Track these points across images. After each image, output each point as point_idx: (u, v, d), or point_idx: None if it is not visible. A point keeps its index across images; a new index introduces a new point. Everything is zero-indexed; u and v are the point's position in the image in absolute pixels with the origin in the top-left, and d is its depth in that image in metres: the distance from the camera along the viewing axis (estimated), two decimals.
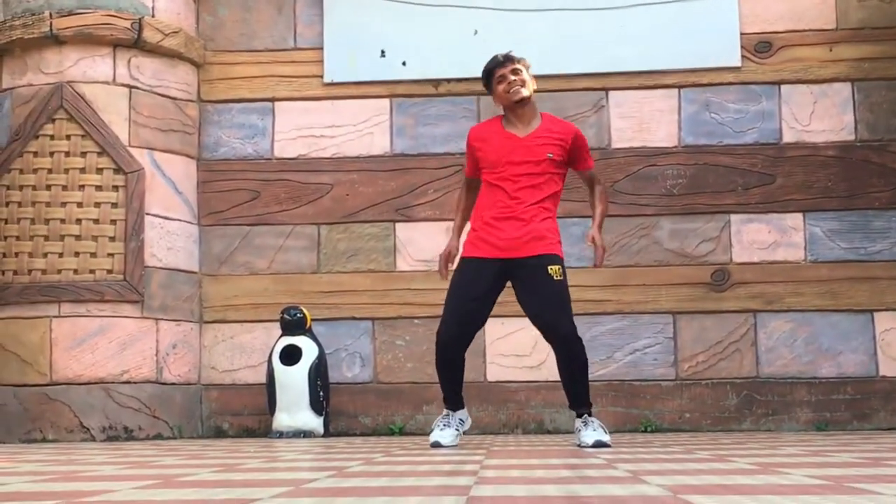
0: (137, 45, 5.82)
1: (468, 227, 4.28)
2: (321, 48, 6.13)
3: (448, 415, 4.31)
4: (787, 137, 5.90)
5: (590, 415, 4.18)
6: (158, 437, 5.72)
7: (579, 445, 4.08)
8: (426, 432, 5.87)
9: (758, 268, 5.85)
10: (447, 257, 4.32)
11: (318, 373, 5.72)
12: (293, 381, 5.70)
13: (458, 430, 4.29)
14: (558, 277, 4.06)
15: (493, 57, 4.23)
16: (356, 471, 2.77)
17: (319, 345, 5.79)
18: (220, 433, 6.02)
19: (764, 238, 5.85)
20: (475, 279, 4.11)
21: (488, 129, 4.24)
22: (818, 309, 5.79)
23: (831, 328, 5.79)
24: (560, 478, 2.43)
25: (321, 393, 5.72)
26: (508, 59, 4.17)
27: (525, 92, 4.10)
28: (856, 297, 5.79)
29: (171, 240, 5.94)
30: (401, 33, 6.07)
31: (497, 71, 4.15)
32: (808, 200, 5.85)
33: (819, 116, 5.88)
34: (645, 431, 5.79)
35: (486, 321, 4.20)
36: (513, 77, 4.11)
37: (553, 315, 4.03)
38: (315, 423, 5.71)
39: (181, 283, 5.97)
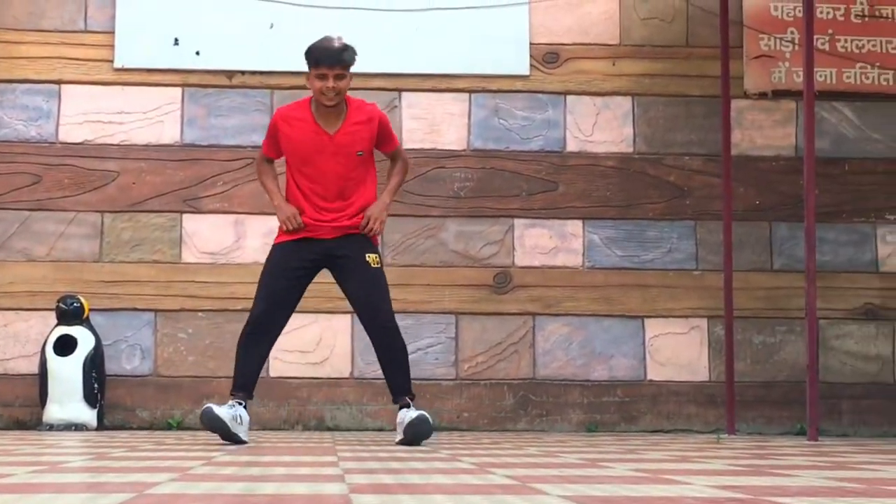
0: None
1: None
2: (112, 32, 6.07)
3: (233, 405, 4.15)
4: (571, 146, 6.18)
5: (411, 406, 4.24)
6: None
7: (401, 436, 4.14)
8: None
9: (538, 272, 6.10)
10: (291, 215, 4.26)
11: (94, 364, 5.67)
12: (66, 373, 5.64)
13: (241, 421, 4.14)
14: (375, 265, 4.25)
15: (325, 43, 4.22)
16: (75, 466, 2.80)
17: (97, 335, 5.75)
18: None
19: (545, 243, 6.11)
20: (290, 262, 4.27)
21: (297, 115, 4.31)
22: (593, 314, 6.07)
23: (604, 332, 6.09)
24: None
25: (95, 385, 5.68)
26: (338, 60, 4.17)
27: (337, 100, 4.21)
28: (628, 303, 6.09)
29: None
30: (195, 22, 6.08)
31: (322, 67, 4.16)
32: (587, 208, 6.14)
33: (601, 128, 6.18)
34: None
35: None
36: (333, 83, 4.15)
37: (376, 298, 4.20)
38: (88, 415, 5.65)
39: None
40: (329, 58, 4.16)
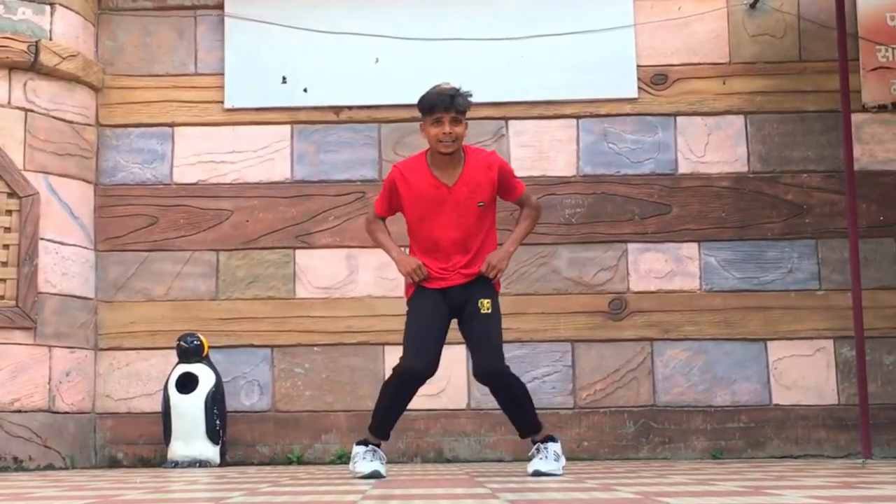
0: (34, 68, 5.91)
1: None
2: (222, 74, 6.26)
3: (374, 450, 4.22)
4: (683, 168, 6.15)
5: (545, 441, 4.21)
6: (50, 467, 5.76)
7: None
8: (324, 461, 6.00)
9: (654, 296, 6.06)
10: (416, 268, 4.18)
11: (215, 401, 5.80)
12: (189, 410, 5.78)
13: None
14: (486, 311, 4.15)
15: (438, 89, 4.14)
16: (236, 501, 2.85)
17: (217, 372, 5.88)
18: (114, 463, 6.07)
19: (660, 267, 6.08)
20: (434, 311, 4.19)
21: (413, 169, 4.19)
22: (713, 338, 6.01)
23: (726, 357, 6.01)
24: None
25: (217, 421, 5.80)
26: (454, 103, 4.06)
27: (455, 147, 4.10)
28: (749, 326, 6.01)
29: (66, 265, 6.04)
30: (302, 60, 6.23)
31: (437, 112, 4.06)
32: (702, 230, 6.09)
33: (713, 148, 6.14)
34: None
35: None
36: (449, 128, 4.04)
37: (488, 354, 4.17)
38: (211, 452, 5.78)
39: (76, 310, 6.04)
40: (443, 101, 4.06)
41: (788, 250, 6.09)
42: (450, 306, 4.18)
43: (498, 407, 6.01)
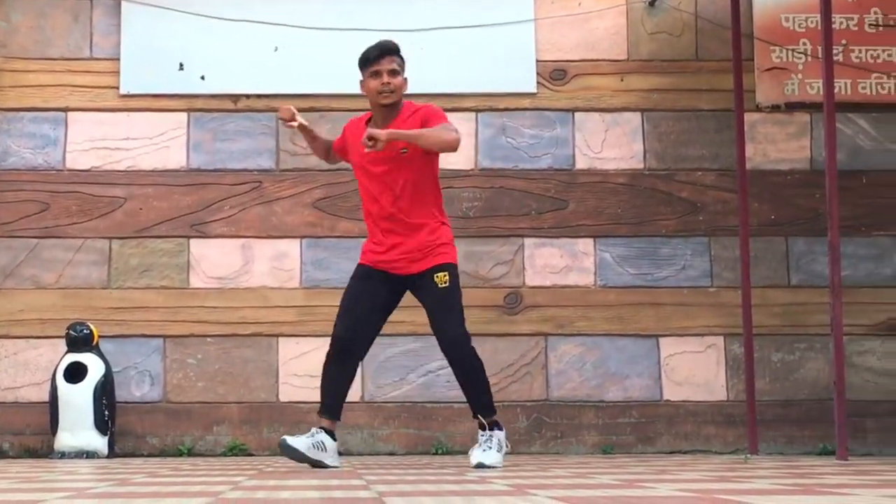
0: None
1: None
2: (118, 59, 6.18)
3: (313, 433, 4.12)
4: (580, 164, 6.20)
5: (490, 427, 4.18)
6: None
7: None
8: (216, 453, 5.98)
9: (549, 291, 6.10)
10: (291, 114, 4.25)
11: (104, 391, 5.76)
12: (77, 400, 5.73)
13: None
14: (442, 285, 4.11)
15: (372, 45, 4.20)
16: (103, 492, 2.84)
17: (106, 362, 5.83)
18: (0, 453, 5.95)
19: (556, 262, 6.12)
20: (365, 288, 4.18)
21: (355, 125, 4.27)
22: (607, 333, 6.07)
23: (618, 352, 6.08)
24: (304, 499, 2.49)
25: (106, 412, 5.76)
26: (387, 50, 4.13)
27: (394, 98, 4.11)
28: (642, 322, 6.08)
29: None
30: (200, 47, 6.19)
31: (373, 64, 4.11)
32: (598, 226, 6.14)
33: (610, 144, 6.21)
34: (436, 454, 5.95)
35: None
36: (388, 79, 4.08)
37: (439, 324, 4.12)
38: (99, 442, 5.73)
39: None
40: (374, 50, 4.14)
41: (682, 247, 6.18)
42: (393, 281, 4.16)
43: (391, 400, 6.06)
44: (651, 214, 6.19)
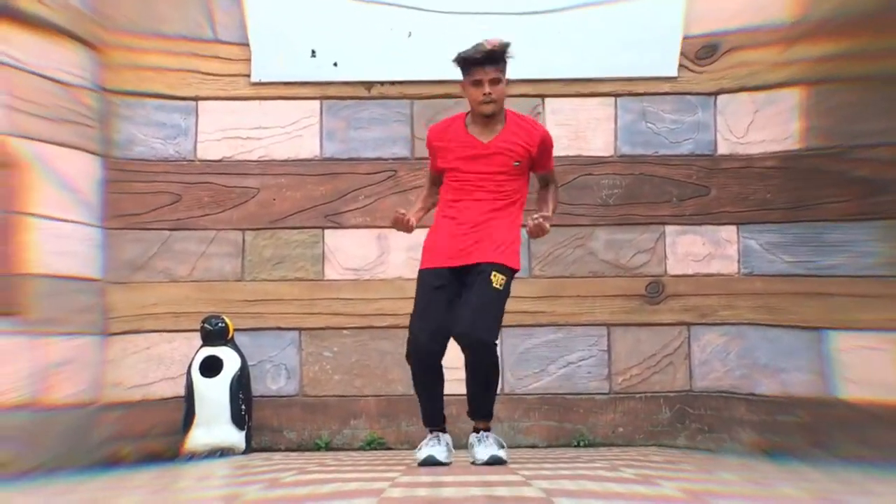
0: (7, 12, 5.06)
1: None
2: (246, 44, 6.04)
3: (437, 436, 4.30)
4: (722, 149, 5.99)
5: (486, 430, 4.28)
6: (33, 469, 5.16)
7: (473, 462, 4.19)
8: (353, 447, 5.87)
9: (692, 280, 5.94)
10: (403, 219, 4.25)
11: (241, 385, 5.65)
12: (213, 394, 5.62)
13: (449, 450, 4.28)
14: (496, 286, 4.06)
15: (476, 45, 4.10)
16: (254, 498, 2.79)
17: (242, 356, 5.73)
18: (116, 461, 5.69)
19: (698, 250, 5.95)
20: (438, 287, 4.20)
21: (449, 130, 4.24)
22: (750, 322, 5.88)
23: (768, 343, 5.81)
24: (468, 496, 2.43)
25: (243, 406, 5.64)
26: (491, 59, 4.05)
27: (496, 108, 4.11)
28: (801, 312, 5.72)
29: (60, 244, 5.47)
30: (332, 33, 6.06)
31: (475, 71, 4.07)
32: (743, 213, 5.94)
33: (759, 127, 5.92)
34: (577, 446, 5.83)
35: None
36: (489, 89, 4.04)
37: (471, 318, 4.05)
38: (236, 438, 5.62)
39: (75, 293, 5.57)
40: (478, 61, 4.06)
41: (855, 233, 5.55)
42: (456, 275, 4.18)
43: (530, 392, 5.92)
44: (811, 198, 5.72)
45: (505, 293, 4.15)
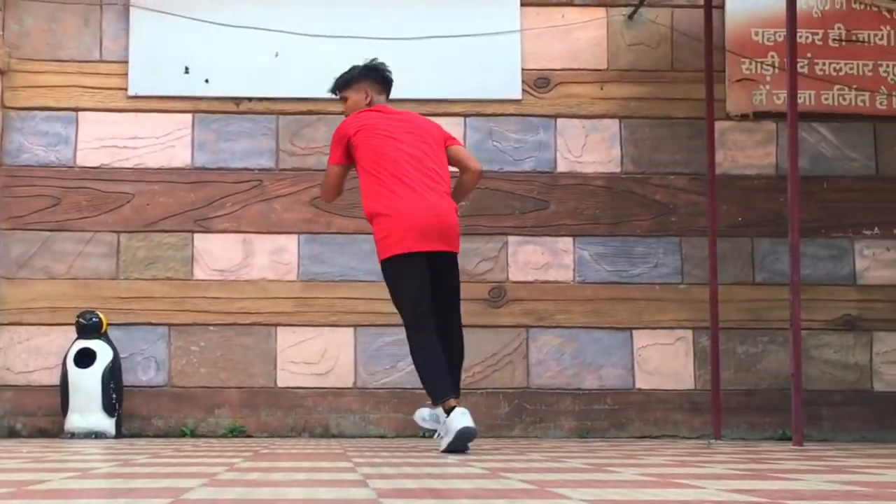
0: None
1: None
2: (126, 62, 6.49)
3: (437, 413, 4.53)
4: (561, 167, 6.58)
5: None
6: None
7: (448, 443, 4.29)
8: (217, 434, 6.33)
9: (531, 286, 6.49)
10: None
11: (112, 375, 6.11)
12: (87, 383, 6.07)
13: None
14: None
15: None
16: (105, 472, 3.09)
17: (114, 348, 6.18)
18: (13, 433, 6.30)
19: (538, 259, 6.49)
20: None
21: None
22: (584, 326, 6.47)
23: (595, 344, 6.48)
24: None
25: (114, 395, 6.10)
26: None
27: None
28: (617, 315, 6.47)
29: None
30: (205, 51, 6.52)
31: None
32: (577, 226, 6.52)
33: (590, 149, 6.60)
34: (423, 437, 6.31)
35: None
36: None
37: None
38: (107, 424, 6.08)
39: None
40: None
41: (655, 246, 6.57)
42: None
43: (383, 386, 6.43)
44: (627, 215, 6.58)
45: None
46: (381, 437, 6.37)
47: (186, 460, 3.77)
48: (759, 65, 6.60)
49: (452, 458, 3.86)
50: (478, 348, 6.49)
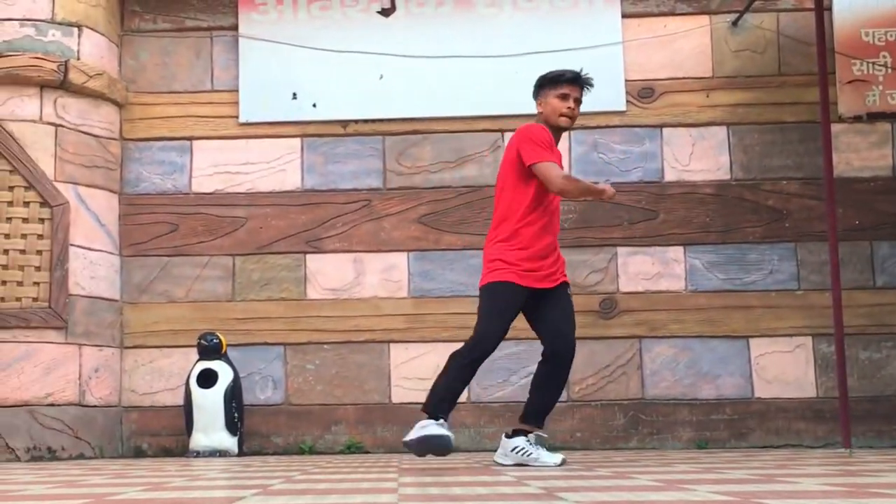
0: (63, 86, 6.35)
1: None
2: (237, 90, 6.67)
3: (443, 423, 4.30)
4: (669, 176, 6.49)
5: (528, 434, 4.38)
6: (81, 456, 6.21)
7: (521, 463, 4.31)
8: (334, 451, 6.41)
9: (642, 297, 6.40)
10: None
11: (233, 395, 6.22)
12: (209, 403, 6.21)
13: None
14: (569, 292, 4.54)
15: (568, 69, 4.37)
16: (279, 488, 3.05)
17: (234, 369, 6.30)
18: (139, 453, 6.50)
19: (648, 269, 6.42)
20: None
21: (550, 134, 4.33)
22: (698, 335, 6.35)
23: (710, 353, 6.36)
24: (477, 495, 2.64)
25: (236, 414, 6.22)
26: (581, 80, 4.31)
27: (570, 125, 4.37)
28: (732, 324, 6.33)
29: (93, 269, 6.51)
30: (311, 77, 6.65)
31: (564, 86, 4.30)
32: (687, 234, 6.43)
33: (697, 157, 6.50)
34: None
35: None
36: (573, 104, 4.30)
37: (572, 326, 4.48)
38: (230, 442, 6.20)
39: (103, 311, 6.52)
40: (569, 80, 4.30)
41: (769, 253, 6.43)
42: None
43: (496, 400, 6.40)
44: (738, 222, 6.46)
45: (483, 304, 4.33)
46: (496, 450, 6.32)
47: (344, 476, 3.63)
48: (870, 65, 6.43)
49: (604, 471, 3.71)
50: (590, 360, 6.44)
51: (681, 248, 6.49)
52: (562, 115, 4.28)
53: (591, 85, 4.38)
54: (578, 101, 4.33)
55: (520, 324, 6.56)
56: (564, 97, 4.29)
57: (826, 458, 4.68)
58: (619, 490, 2.76)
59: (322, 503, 2.48)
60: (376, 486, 3.07)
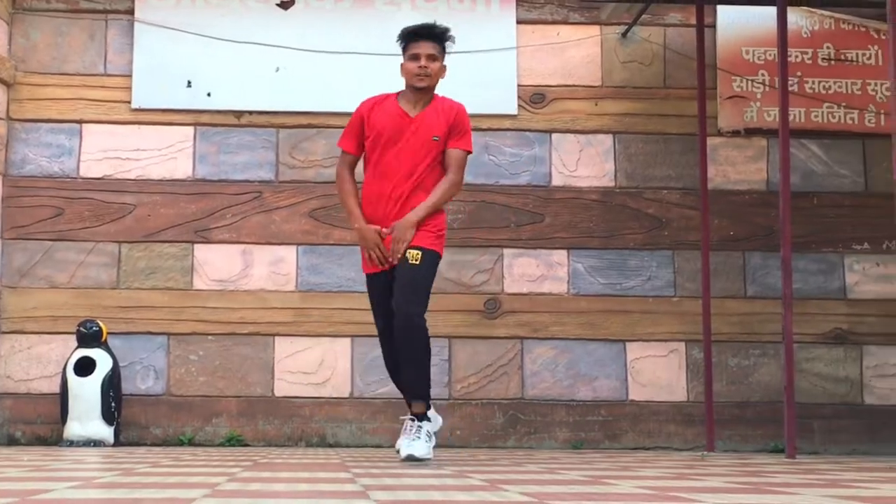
0: None
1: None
2: (130, 75, 6.55)
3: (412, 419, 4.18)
4: (556, 181, 6.61)
5: (419, 418, 4.19)
6: None
7: (398, 451, 4.21)
8: (214, 443, 6.32)
9: (526, 298, 6.51)
10: (373, 246, 4.20)
11: (111, 384, 6.12)
12: (86, 392, 6.10)
13: (429, 439, 4.18)
14: (414, 262, 4.12)
15: (421, 25, 4.27)
16: (108, 482, 2.99)
17: (114, 357, 6.20)
18: (12, 441, 6.31)
19: (532, 271, 6.52)
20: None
21: (381, 102, 4.30)
22: (578, 338, 6.47)
23: (588, 355, 6.48)
24: (297, 492, 2.59)
25: (113, 404, 6.12)
26: (433, 35, 4.21)
27: (429, 83, 4.23)
28: (611, 327, 6.48)
29: None
30: (207, 66, 6.58)
31: (411, 46, 4.23)
32: (572, 238, 6.54)
33: (584, 163, 6.63)
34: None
35: None
36: (425, 62, 4.18)
37: (401, 296, 4.10)
38: (106, 432, 6.08)
39: None
40: (418, 36, 4.21)
41: (648, 259, 6.60)
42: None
43: (379, 396, 6.42)
44: (620, 229, 6.61)
45: (426, 264, 4.18)
46: (377, 446, 6.36)
47: (187, 470, 3.67)
48: (749, 82, 6.66)
49: (450, 469, 3.76)
50: (473, 359, 6.51)
51: (565, 252, 6.63)
52: (416, 75, 4.22)
53: (447, 34, 4.25)
54: (433, 57, 4.22)
55: None
56: (415, 57, 4.23)
57: (678, 461, 4.80)
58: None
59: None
60: (204, 480, 3.04)
